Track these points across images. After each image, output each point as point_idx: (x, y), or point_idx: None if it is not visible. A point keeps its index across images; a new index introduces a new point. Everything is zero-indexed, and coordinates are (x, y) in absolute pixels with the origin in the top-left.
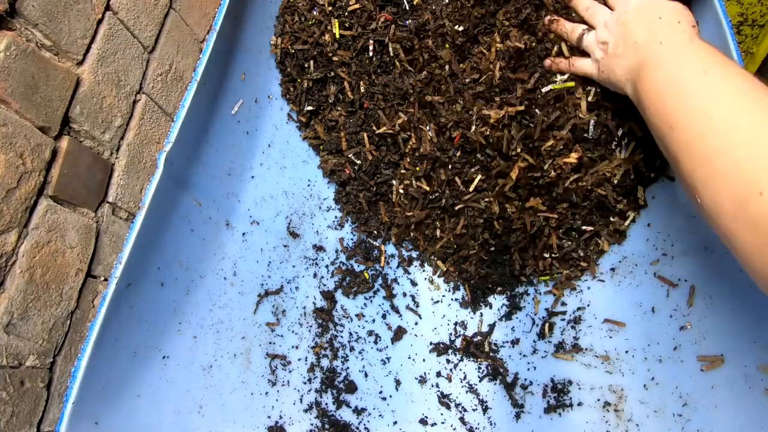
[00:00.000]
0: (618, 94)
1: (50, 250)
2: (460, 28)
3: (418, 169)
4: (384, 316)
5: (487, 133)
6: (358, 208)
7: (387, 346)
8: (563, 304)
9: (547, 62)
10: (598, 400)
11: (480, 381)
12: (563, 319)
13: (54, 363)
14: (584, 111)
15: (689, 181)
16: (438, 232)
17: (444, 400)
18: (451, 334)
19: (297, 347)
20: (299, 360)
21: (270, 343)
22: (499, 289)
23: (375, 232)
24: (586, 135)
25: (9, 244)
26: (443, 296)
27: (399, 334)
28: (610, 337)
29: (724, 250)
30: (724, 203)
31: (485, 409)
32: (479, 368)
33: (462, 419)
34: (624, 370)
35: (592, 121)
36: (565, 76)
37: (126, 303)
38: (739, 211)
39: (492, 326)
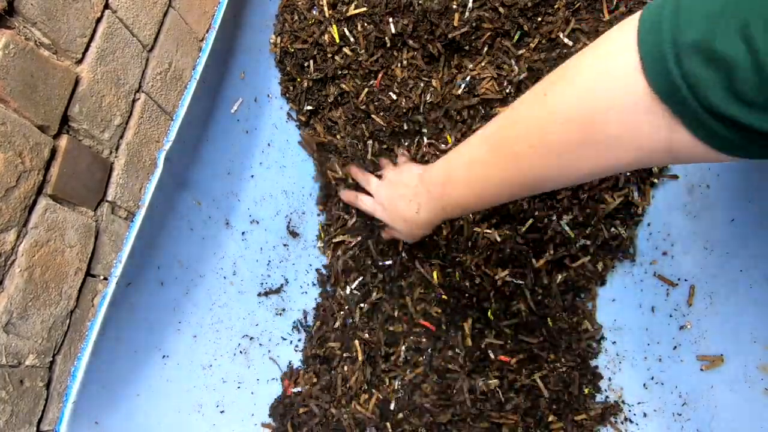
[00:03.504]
0: None
1: (49, 249)
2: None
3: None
4: None
5: None
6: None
7: None
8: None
9: (342, 194)
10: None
11: None
12: None
13: (53, 362)
14: None
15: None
16: None
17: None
18: None
19: (297, 347)
20: (300, 360)
21: (270, 341)
22: None
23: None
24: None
25: (8, 243)
26: None
27: None
28: (606, 338)
29: (724, 250)
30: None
31: None
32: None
33: None
34: (624, 369)
35: None
36: None
37: (126, 302)
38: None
39: None
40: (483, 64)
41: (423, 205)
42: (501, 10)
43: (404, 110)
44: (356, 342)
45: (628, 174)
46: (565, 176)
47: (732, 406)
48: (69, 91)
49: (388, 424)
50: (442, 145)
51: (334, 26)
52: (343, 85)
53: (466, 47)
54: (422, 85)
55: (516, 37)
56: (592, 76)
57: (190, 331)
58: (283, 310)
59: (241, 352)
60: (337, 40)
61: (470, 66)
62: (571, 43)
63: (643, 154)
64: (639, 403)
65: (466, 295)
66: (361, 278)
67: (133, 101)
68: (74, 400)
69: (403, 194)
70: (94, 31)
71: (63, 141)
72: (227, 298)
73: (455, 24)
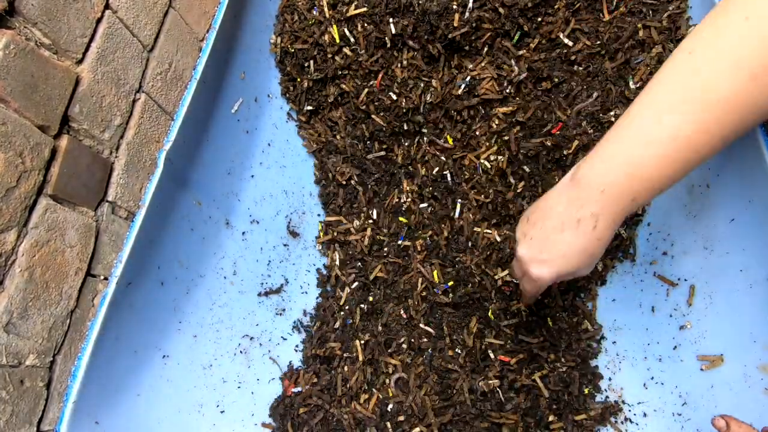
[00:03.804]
0: None
1: (50, 249)
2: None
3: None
4: None
5: None
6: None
7: None
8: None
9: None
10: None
11: None
12: None
13: (54, 362)
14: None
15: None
16: None
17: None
18: None
19: (297, 347)
20: (300, 360)
21: (270, 341)
22: None
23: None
24: None
25: (8, 243)
26: None
27: None
28: (606, 338)
29: (724, 250)
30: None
31: None
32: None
33: None
34: (624, 369)
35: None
36: None
37: (126, 302)
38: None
39: None
40: (483, 64)
41: (599, 215)
42: (501, 10)
43: (404, 110)
44: (356, 342)
45: None
46: None
47: (732, 406)
48: (69, 91)
49: (388, 424)
50: (442, 143)
51: (335, 26)
52: (343, 85)
53: (466, 47)
54: (422, 85)
55: (516, 37)
56: None
57: (190, 330)
58: (283, 310)
59: (241, 352)
60: (338, 41)
61: (470, 66)
62: (571, 43)
63: None
64: (639, 403)
65: (468, 296)
66: (362, 278)
67: (134, 101)
68: (74, 400)
69: (562, 222)
70: (95, 31)
71: (63, 141)
72: (227, 298)
73: (455, 24)
